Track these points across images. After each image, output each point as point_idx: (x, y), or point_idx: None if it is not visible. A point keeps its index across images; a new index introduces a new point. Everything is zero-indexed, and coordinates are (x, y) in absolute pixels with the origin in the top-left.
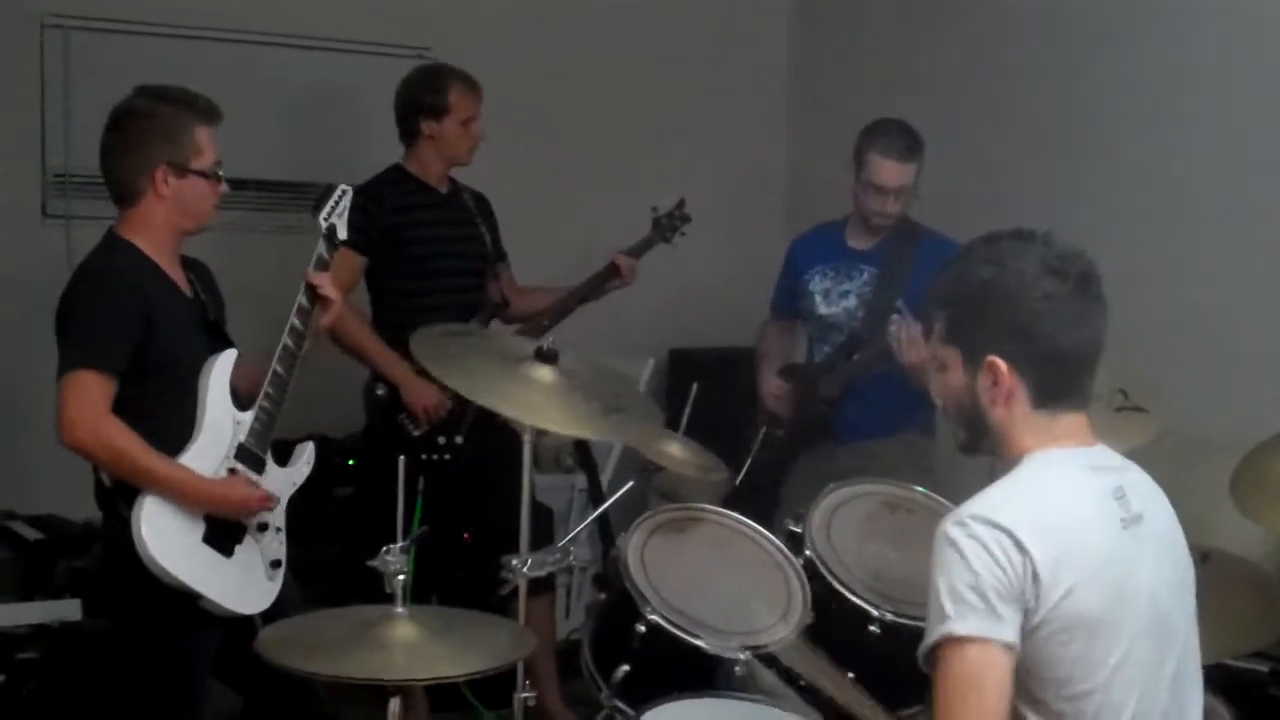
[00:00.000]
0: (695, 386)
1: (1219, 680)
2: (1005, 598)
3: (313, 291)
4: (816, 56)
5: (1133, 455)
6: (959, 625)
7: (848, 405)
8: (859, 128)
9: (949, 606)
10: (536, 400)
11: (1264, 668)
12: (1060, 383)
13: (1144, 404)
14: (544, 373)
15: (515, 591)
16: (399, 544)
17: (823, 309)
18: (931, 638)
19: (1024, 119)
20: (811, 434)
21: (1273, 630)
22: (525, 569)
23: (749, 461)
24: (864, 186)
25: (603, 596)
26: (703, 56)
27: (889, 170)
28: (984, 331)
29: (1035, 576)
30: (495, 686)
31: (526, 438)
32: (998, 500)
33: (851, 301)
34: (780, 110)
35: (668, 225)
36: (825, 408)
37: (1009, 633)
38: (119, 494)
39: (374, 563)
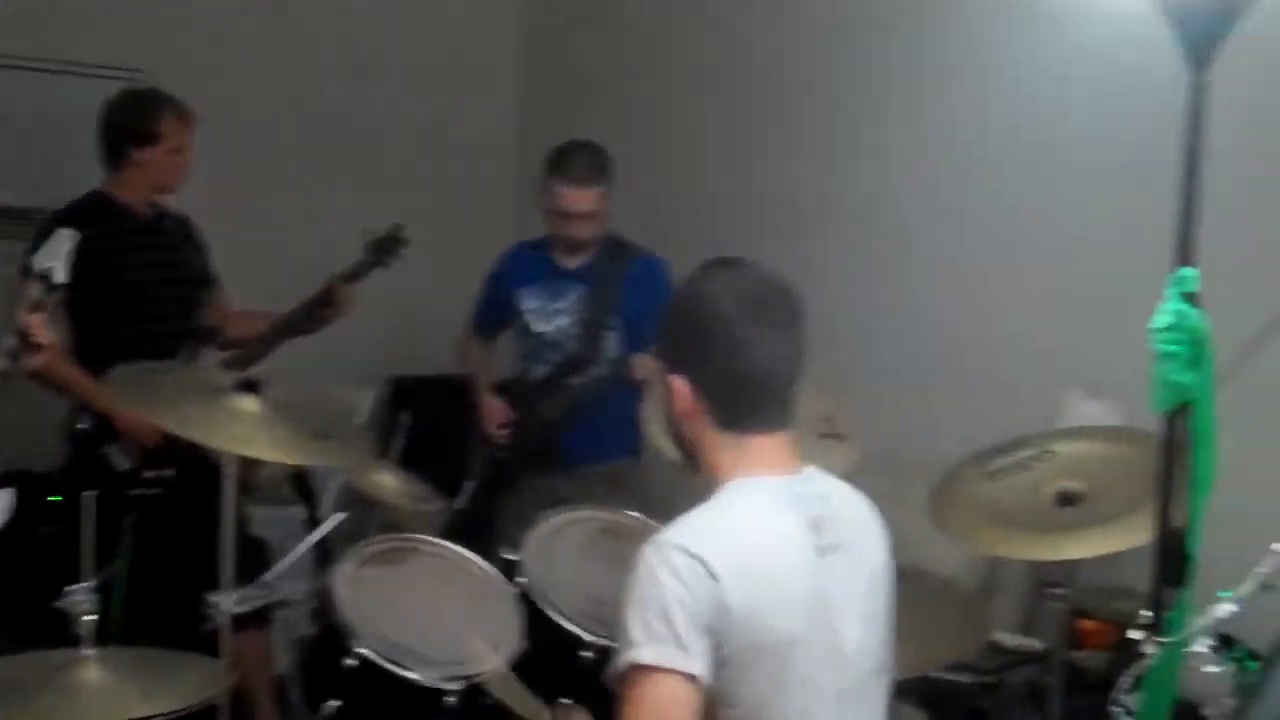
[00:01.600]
0: (406, 416)
1: (923, 693)
2: (694, 627)
3: (23, 334)
4: (545, 76)
5: (843, 476)
6: (646, 652)
7: (568, 429)
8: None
9: (638, 633)
10: (239, 429)
11: (967, 679)
12: (741, 406)
13: (846, 431)
14: (248, 402)
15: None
16: (85, 583)
17: (537, 327)
18: (619, 664)
19: (744, 141)
20: (533, 457)
21: (973, 642)
22: (228, 604)
23: (472, 486)
24: (549, 212)
25: (312, 631)
26: (427, 76)
27: (570, 197)
28: (674, 354)
29: (726, 604)
30: None
31: (228, 468)
32: (693, 527)
33: (565, 320)
34: (509, 131)
35: (384, 248)
36: (546, 430)
37: (696, 664)
38: None
39: (60, 604)
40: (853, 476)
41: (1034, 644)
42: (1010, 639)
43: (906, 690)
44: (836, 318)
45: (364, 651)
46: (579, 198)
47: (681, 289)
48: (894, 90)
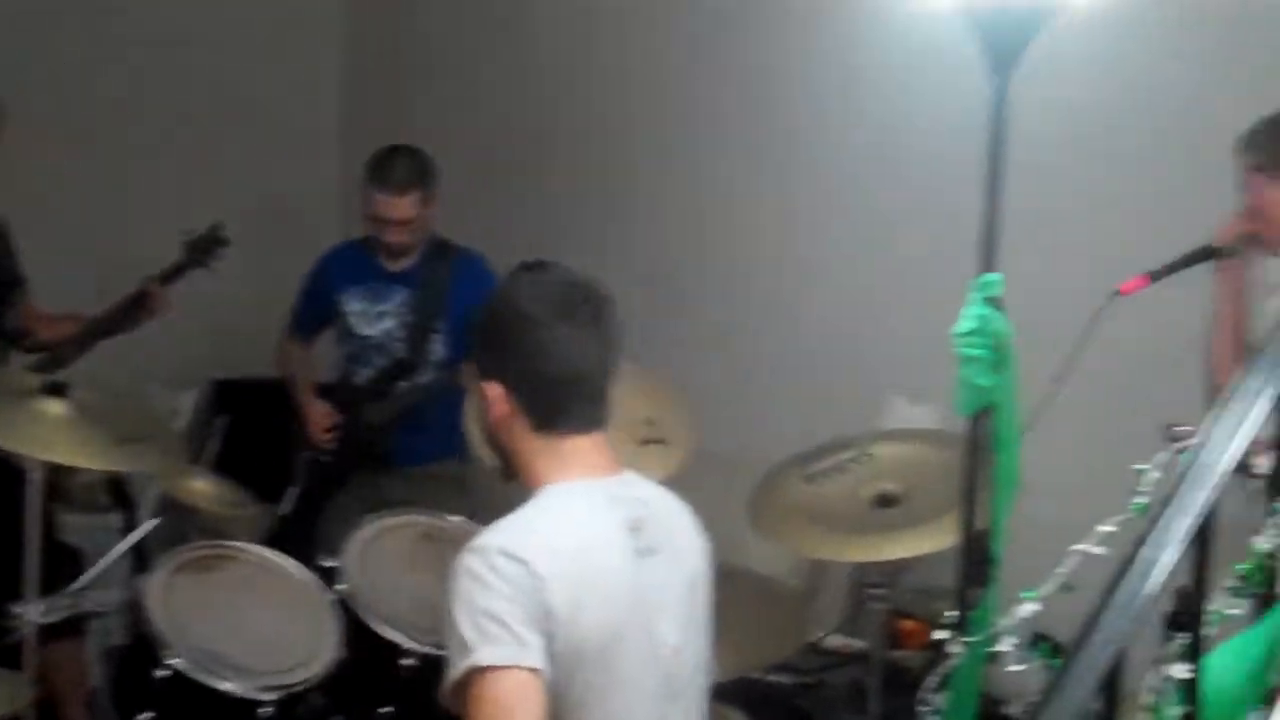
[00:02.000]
0: (222, 419)
1: (744, 694)
2: (525, 623)
3: None
4: (369, 77)
5: (666, 479)
6: (483, 654)
7: (395, 431)
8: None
9: (472, 637)
10: (43, 433)
11: (788, 680)
12: (554, 407)
13: (667, 435)
14: (54, 405)
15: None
16: None
17: (361, 330)
18: (458, 670)
19: (571, 141)
20: (358, 461)
21: (794, 643)
22: (34, 615)
23: (293, 491)
24: (368, 218)
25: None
26: (247, 72)
27: (388, 204)
28: (486, 358)
29: (549, 606)
30: None
31: (33, 474)
32: (514, 530)
33: (390, 322)
34: (331, 130)
35: (202, 249)
36: (372, 434)
37: (535, 658)
38: None
39: None
40: (677, 478)
41: (855, 644)
42: (832, 639)
43: (727, 691)
44: (662, 321)
45: (176, 662)
46: (396, 205)
47: (490, 299)
48: (722, 95)
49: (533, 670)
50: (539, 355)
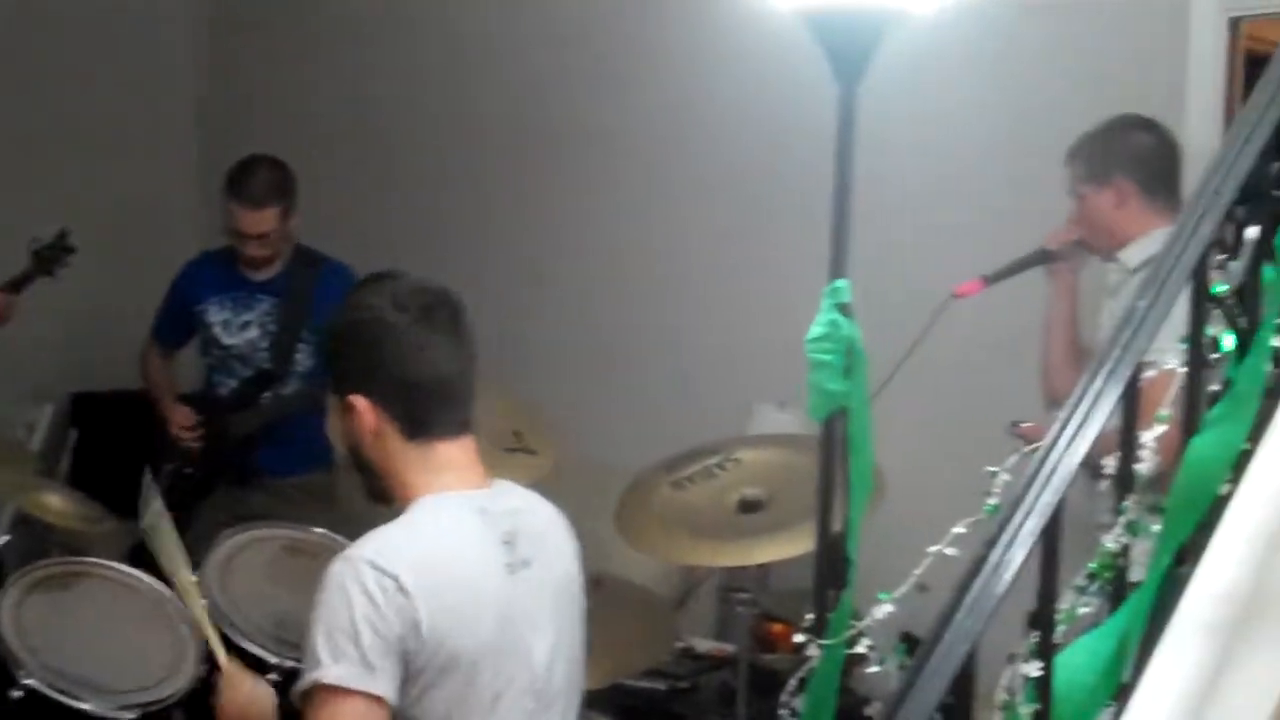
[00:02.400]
0: (73, 433)
1: (617, 702)
2: (382, 649)
3: None
4: (225, 84)
5: (535, 484)
6: (331, 672)
7: (259, 443)
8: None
9: (323, 652)
10: None
11: (662, 686)
12: (420, 412)
13: (535, 445)
14: None
15: None
16: None
17: (225, 339)
18: (304, 682)
19: (429, 153)
20: (222, 473)
21: (662, 648)
22: None
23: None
24: (228, 232)
25: None
26: (104, 78)
27: (246, 218)
28: (346, 373)
29: (416, 621)
30: None
31: None
32: (385, 542)
33: (254, 332)
34: (190, 138)
35: (49, 257)
36: (236, 445)
37: (381, 685)
38: None
39: None
40: (546, 486)
41: (726, 648)
42: (703, 644)
43: (599, 699)
44: (532, 329)
45: (30, 682)
46: (254, 219)
47: (341, 313)
48: (581, 100)
49: (375, 698)
50: (406, 362)
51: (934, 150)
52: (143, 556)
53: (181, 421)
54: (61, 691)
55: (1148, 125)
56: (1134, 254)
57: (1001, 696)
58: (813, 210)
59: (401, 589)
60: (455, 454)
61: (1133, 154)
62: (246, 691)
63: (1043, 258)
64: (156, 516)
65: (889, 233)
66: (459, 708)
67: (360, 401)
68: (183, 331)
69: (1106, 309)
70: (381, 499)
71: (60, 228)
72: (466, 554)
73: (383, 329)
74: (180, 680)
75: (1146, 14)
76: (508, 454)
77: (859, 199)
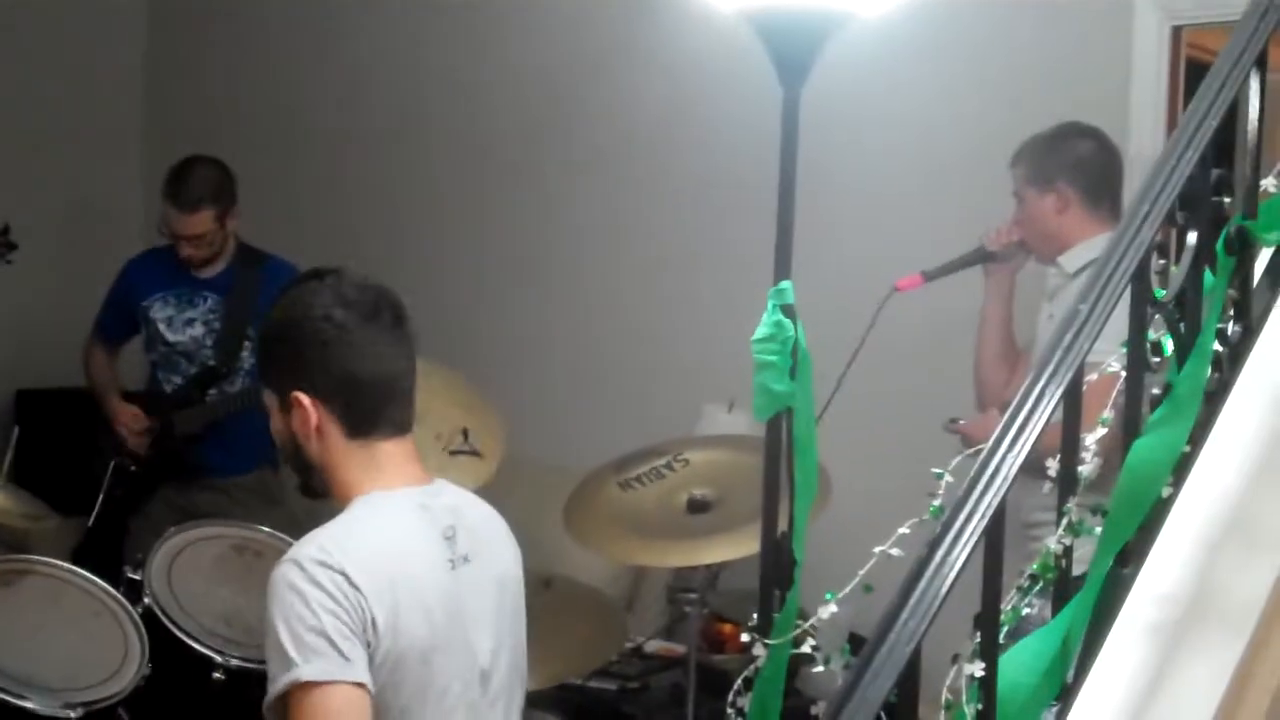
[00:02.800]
0: (14, 430)
1: (566, 702)
2: (349, 637)
3: None
4: (172, 80)
5: (482, 485)
6: (307, 670)
7: (205, 441)
8: (216, 154)
9: (294, 652)
10: None
11: (612, 686)
12: (364, 410)
13: (481, 447)
14: None
15: None
16: None
17: (169, 336)
18: (279, 685)
19: (379, 151)
20: (166, 471)
21: (611, 649)
22: None
23: (99, 501)
24: (166, 232)
25: None
26: (50, 77)
27: (178, 221)
28: (286, 369)
29: (370, 616)
30: None
31: None
32: (329, 540)
33: (198, 329)
34: (134, 134)
35: None
36: (182, 444)
37: (359, 672)
38: None
39: None
40: (496, 485)
41: (676, 649)
42: (653, 644)
43: (549, 699)
44: (475, 328)
45: None
46: (187, 222)
47: (279, 311)
48: (528, 98)
49: (358, 684)
50: (351, 360)
51: (879, 152)
52: (86, 554)
53: (130, 424)
54: (4, 690)
55: (1092, 134)
56: (1074, 259)
57: (946, 697)
58: (760, 211)
59: (352, 584)
60: (396, 452)
61: (1075, 161)
62: None
63: (983, 257)
64: None
65: (835, 234)
66: (414, 701)
67: (304, 399)
68: (126, 328)
69: (1044, 312)
70: (316, 494)
71: (3, 223)
72: (410, 549)
73: (330, 327)
74: (125, 678)
75: (1089, 21)
76: (451, 456)
77: (805, 201)
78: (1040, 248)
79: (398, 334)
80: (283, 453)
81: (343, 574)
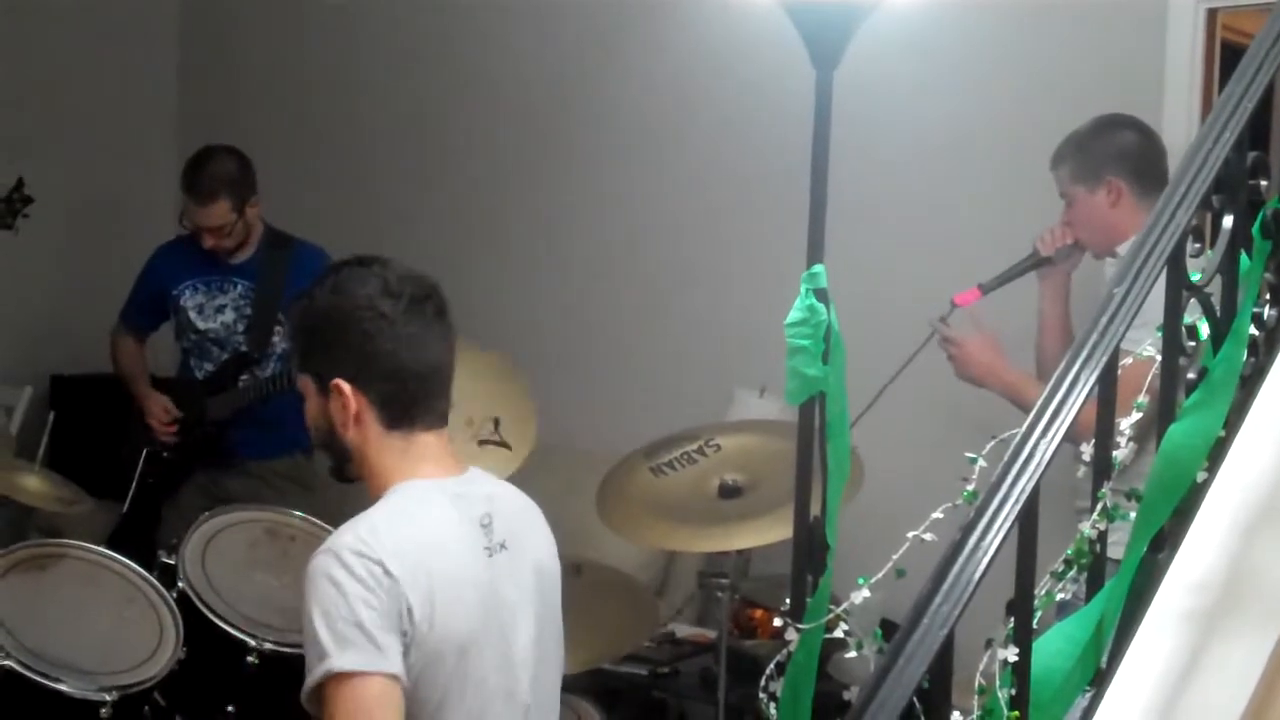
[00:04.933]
0: (51, 415)
1: (597, 686)
2: (384, 628)
3: None
4: (205, 72)
5: (516, 471)
6: (341, 660)
7: (237, 426)
8: (250, 143)
9: (329, 643)
10: None
11: (643, 671)
12: (405, 403)
13: (511, 438)
14: None
15: None
16: None
17: (200, 324)
18: (315, 675)
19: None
20: (199, 457)
21: (643, 634)
22: None
23: (133, 488)
24: (189, 224)
25: None
26: (85, 69)
27: (195, 212)
28: (328, 356)
29: (409, 605)
30: None
31: None
32: (366, 530)
33: (229, 315)
34: (168, 125)
35: (5, 210)
36: (214, 429)
37: (393, 663)
38: None
39: None
40: (527, 471)
41: (707, 634)
42: (685, 629)
43: (581, 684)
44: (507, 316)
45: (7, 664)
46: (204, 214)
47: (325, 293)
48: (560, 93)
49: (392, 676)
50: (395, 353)
51: (911, 138)
52: (121, 539)
53: (160, 416)
54: (39, 673)
55: (1130, 123)
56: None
57: (979, 682)
58: (793, 196)
59: (389, 573)
60: (432, 442)
61: (1120, 152)
62: None
63: (1038, 263)
64: None
65: (868, 218)
66: (451, 692)
67: (345, 387)
68: (154, 316)
69: None
70: (347, 479)
71: (17, 177)
72: (446, 538)
73: (376, 318)
74: (159, 663)
75: (1123, 5)
76: (481, 447)
77: (837, 185)
78: (1097, 243)
79: (441, 327)
80: (315, 436)
81: (380, 564)
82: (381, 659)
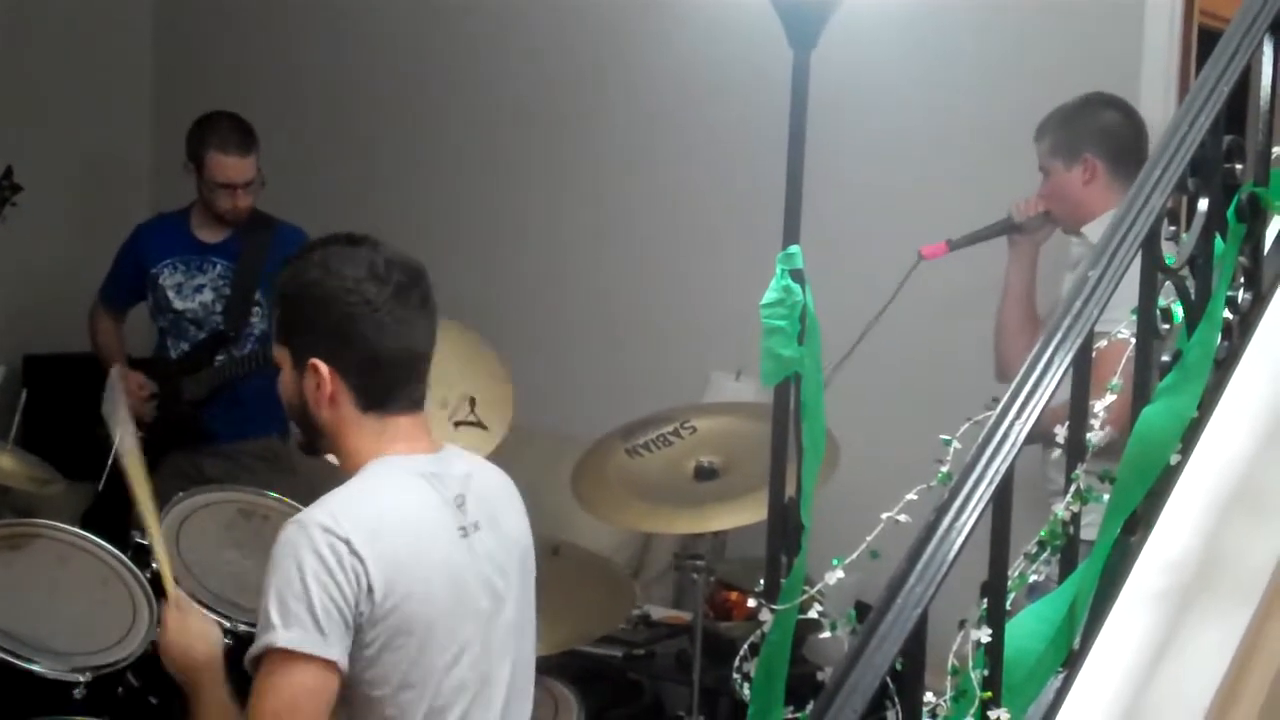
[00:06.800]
0: (24, 395)
1: (573, 668)
2: (334, 614)
3: None
4: (183, 50)
5: (494, 452)
6: (284, 636)
7: (213, 406)
8: None
9: (276, 616)
10: None
11: (619, 652)
12: (382, 387)
13: (487, 418)
14: None
15: None
16: None
17: (178, 303)
18: (257, 646)
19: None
20: (175, 437)
21: (619, 616)
22: None
23: (108, 467)
24: (209, 185)
25: None
26: (58, 41)
27: (231, 166)
28: (308, 333)
29: (370, 585)
30: None
31: None
32: (337, 506)
33: (208, 295)
34: (144, 103)
35: None
36: (190, 409)
37: (333, 651)
38: None
39: None
40: (503, 452)
41: (683, 616)
42: (660, 611)
43: (556, 665)
44: (483, 295)
45: None
46: (241, 167)
47: (309, 270)
48: (539, 76)
49: (328, 663)
50: (376, 339)
51: (890, 119)
52: (95, 519)
53: (136, 392)
54: (12, 653)
55: (1116, 104)
56: (1098, 229)
57: (952, 663)
58: (769, 178)
59: (354, 552)
60: (406, 424)
61: (1101, 131)
62: (195, 624)
63: (1009, 228)
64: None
65: (845, 200)
66: (415, 671)
67: (322, 367)
68: (133, 294)
69: (1067, 281)
70: (312, 452)
71: (5, 165)
72: (418, 517)
73: (361, 302)
74: (133, 643)
75: None
76: (456, 429)
77: (815, 167)
78: (1066, 218)
79: (424, 314)
80: (289, 410)
81: (346, 541)
82: (323, 644)
